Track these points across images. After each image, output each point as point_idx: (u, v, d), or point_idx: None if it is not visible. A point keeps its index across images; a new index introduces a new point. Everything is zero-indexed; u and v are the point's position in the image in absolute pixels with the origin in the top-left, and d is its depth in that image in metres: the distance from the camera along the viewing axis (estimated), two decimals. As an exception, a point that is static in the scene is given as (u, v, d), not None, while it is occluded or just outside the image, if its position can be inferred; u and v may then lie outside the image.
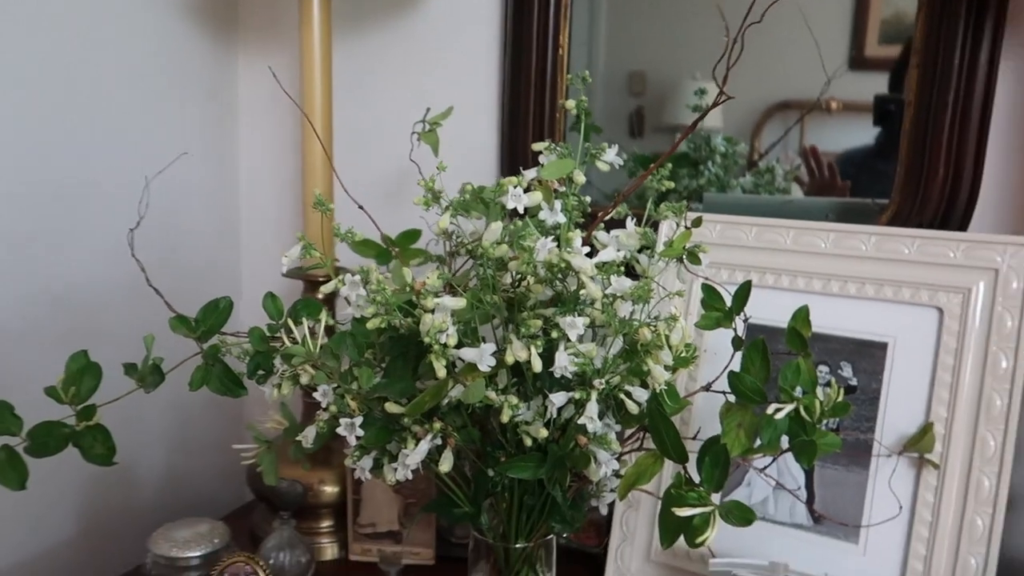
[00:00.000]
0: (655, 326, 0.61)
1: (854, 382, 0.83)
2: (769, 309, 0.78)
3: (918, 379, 0.80)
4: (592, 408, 0.59)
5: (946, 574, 0.77)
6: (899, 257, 0.82)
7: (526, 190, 0.64)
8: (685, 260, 0.71)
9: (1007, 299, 0.77)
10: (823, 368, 0.85)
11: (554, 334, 0.58)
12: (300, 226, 1.24)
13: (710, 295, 0.71)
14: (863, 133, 0.99)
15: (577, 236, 0.58)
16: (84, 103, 0.97)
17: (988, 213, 0.89)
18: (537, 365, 0.58)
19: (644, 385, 0.63)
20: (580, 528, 0.89)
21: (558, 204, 0.69)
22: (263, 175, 1.25)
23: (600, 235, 0.72)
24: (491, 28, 1.09)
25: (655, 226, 0.87)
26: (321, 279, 0.97)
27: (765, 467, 0.71)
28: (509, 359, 0.59)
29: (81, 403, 0.62)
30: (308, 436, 0.66)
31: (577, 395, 0.60)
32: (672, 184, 0.77)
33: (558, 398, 0.61)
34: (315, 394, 0.64)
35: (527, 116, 1.07)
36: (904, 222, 0.90)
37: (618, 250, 0.70)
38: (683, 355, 0.64)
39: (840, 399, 0.65)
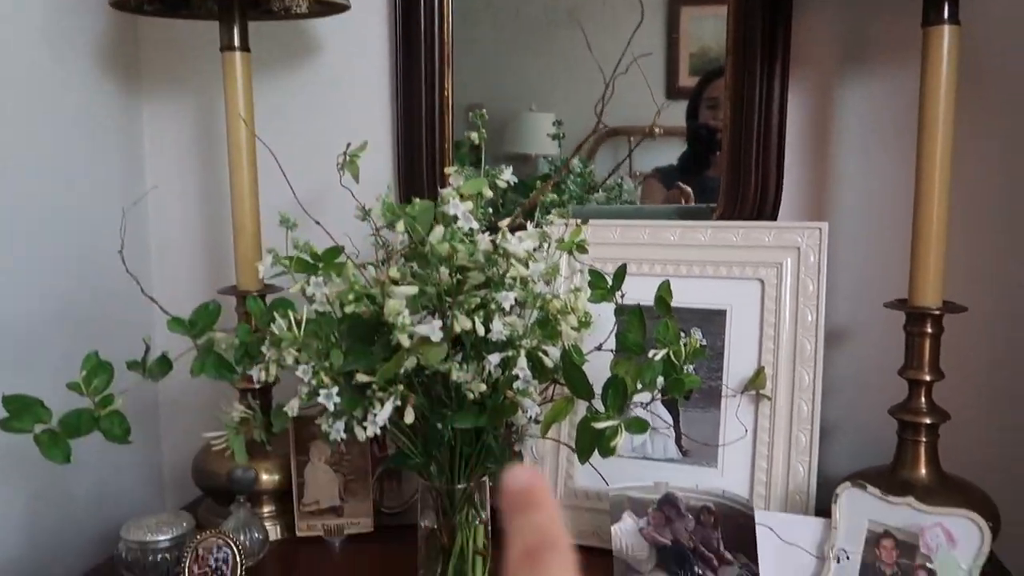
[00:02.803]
0: (563, 297, 0.81)
1: (704, 342, 1.06)
2: (634, 291, 0.99)
3: (750, 335, 1.04)
4: (522, 362, 0.78)
5: (782, 479, 1.01)
6: (729, 244, 1.06)
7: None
8: (574, 252, 0.92)
9: (807, 269, 1.02)
10: (680, 333, 1.08)
11: (492, 306, 0.77)
12: (210, 250, 1.37)
13: (596, 277, 0.92)
14: (679, 152, 1.24)
15: (507, 232, 0.77)
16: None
17: (790, 205, 1.16)
18: (480, 331, 0.76)
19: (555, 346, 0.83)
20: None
21: (469, 211, 0.88)
22: (170, 208, 1.36)
23: (508, 236, 0.92)
24: (383, 75, 1.27)
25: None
26: (254, 294, 1.10)
27: (648, 403, 0.92)
28: (457, 328, 0.77)
29: (99, 394, 0.75)
30: (293, 406, 0.81)
31: (509, 353, 0.79)
32: (555, 196, 0.99)
33: (494, 358, 0.80)
34: (297, 372, 0.79)
35: (420, 148, 1.26)
36: (730, 218, 1.15)
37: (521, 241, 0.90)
38: (584, 320, 0.84)
39: (698, 347, 0.88)
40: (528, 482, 0.31)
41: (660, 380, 0.87)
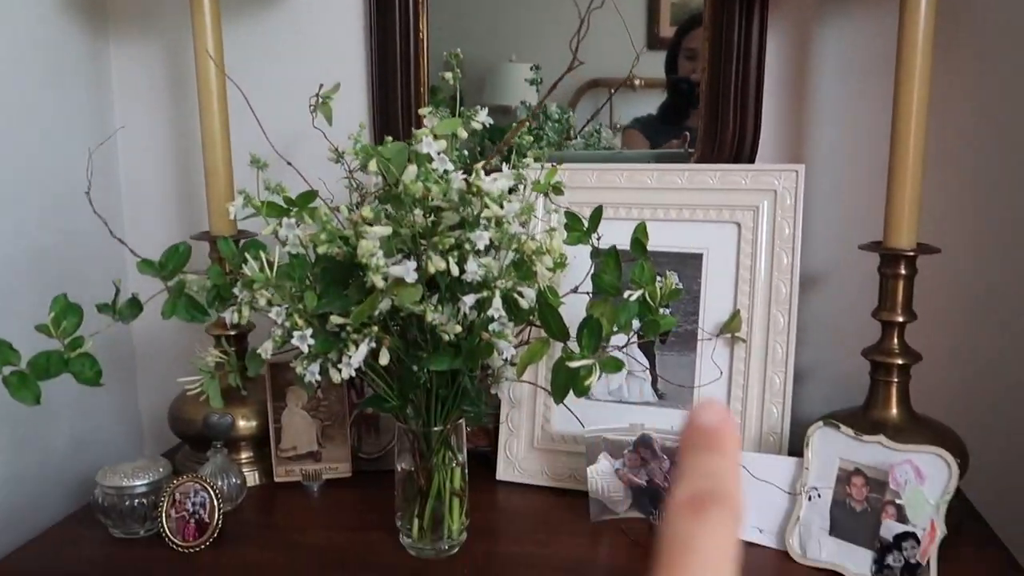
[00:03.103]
0: (538, 239, 0.80)
1: (680, 286, 1.06)
2: (611, 234, 0.98)
3: (726, 278, 1.05)
4: (497, 302, 0.78)
5: (756, 420, 1.02)
6: (706, 187, 1.06)
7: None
8: (550, 193, 0.92)
9: (784, 212, 1.02)
10: (656, 275, 1.08)
11: (466, 247, 0.76)
12: (183, 194, 1.35)
13: (572, 219, 0.91)
14: (659, 103, 1.23)
15: (480, 171, 0.76)
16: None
17: (767, 149, 1.16)
18: (455, 270, 0.76)
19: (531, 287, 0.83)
20: (481, 421, 1.08)
21: (444, 154, 0.87)
22: (141, 151, 1.34)
23: (482, 175, 0.91)
24: (357, 17, 1.24)
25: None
26: (227, 237, 1.09)
27: (624, 346, 0.93)
28: (431, 269, 0.76)
29: (68, 336, 0.74)
30: (267, 349, 0.80)
31: (484, 294, 0.79)
32: (531, 137, 0.97)
33: (469, 299, 0.79)
34: (270, 314, 0.79)
35: (395, 91, 1.24)
36: (708, 162, 1.14)
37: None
38: (559, 261, 0.84)
39: (673, 288, 0.88)
40: (717, 421, 0.28)
41: (636, 322, 0.88)
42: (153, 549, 0.96)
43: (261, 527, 1.02)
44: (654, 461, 0.96)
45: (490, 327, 0.83)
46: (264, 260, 0.77)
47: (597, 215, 0.90)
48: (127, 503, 0.96)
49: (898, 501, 0.83)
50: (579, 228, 0.91)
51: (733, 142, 1.14)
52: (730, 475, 0.27)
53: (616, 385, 1.08)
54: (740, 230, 1.04)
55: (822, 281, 1.17)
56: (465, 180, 0.77)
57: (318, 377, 0.82)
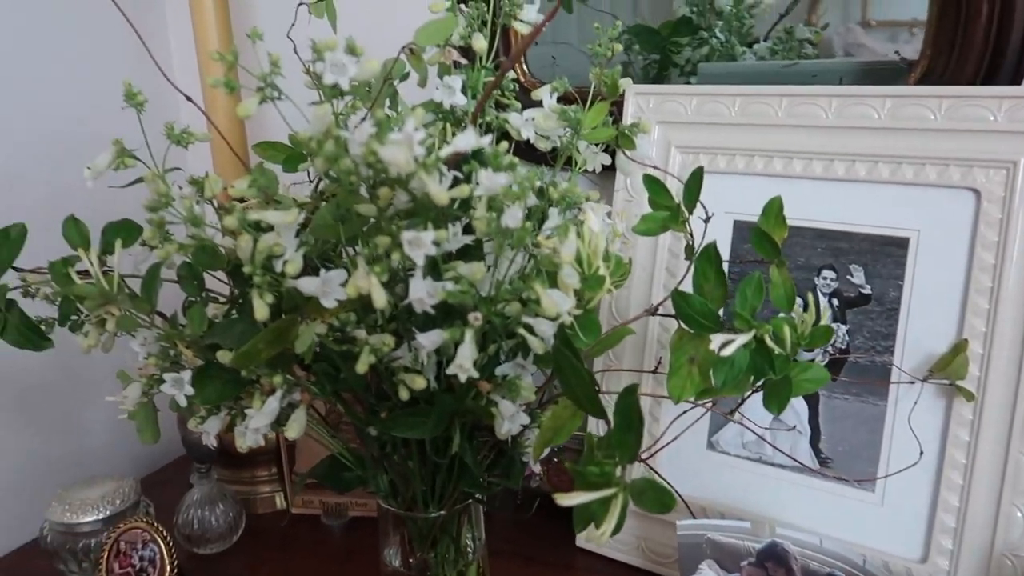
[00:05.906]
0: (548, 235, 0.44)
1: (867, 290, 0.65)
2: (759, 202, 0.59)
3: (949, 284, 0.62)
4: (466, 352, 0.44)
5: (984, 530, 0.60)
6: (922, 125, 0.62)
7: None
8: (620, 144, 0.54)
9: (1068, 172, 0.57)
10: (829, 274, 0.67)
11: (394, 256, 0.42)
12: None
13: (655, 190, 0.54)
14: None
15: (411, 115, 0.41)
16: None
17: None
18: (380, 300, 0.42)
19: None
20: (517, 486, 0.74)
21: (457, 80, 0.53)
22: None
23: (512, 117, 0.55)
24: None
25: (619, 107, 0.71)
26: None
27: (733, 411, 0.55)
28: (351, 292, 0.43)
29: None
30: (130, 397, 0.52)
31: (447, 334, 0.45)
32: (620, 47, 0.59)
33: (428, 339, 0.46)
34: (132, 344, 0.50)
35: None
36: (938, 82, 0.70)
37: (537, 134, 0.55)
38: (599, 273, 0.47)
39: (824, 322, 0.48)
40: None
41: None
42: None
43: (240, 587, 0.77)
44: (790, 586, 0.59)
45: (497, 372, 0.49)
46: (95, 262, 0.47)
47: (695, 185, 0.52)
48: (71, 544, 0.74)
49: None
50: (667, 204, 0.53)
51: (987, 45, 0.68)
52: None
53: (753, 436, 0.70)
54: (979, 202, 0.60)
55: None
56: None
57: (214, 442, 0.53)
